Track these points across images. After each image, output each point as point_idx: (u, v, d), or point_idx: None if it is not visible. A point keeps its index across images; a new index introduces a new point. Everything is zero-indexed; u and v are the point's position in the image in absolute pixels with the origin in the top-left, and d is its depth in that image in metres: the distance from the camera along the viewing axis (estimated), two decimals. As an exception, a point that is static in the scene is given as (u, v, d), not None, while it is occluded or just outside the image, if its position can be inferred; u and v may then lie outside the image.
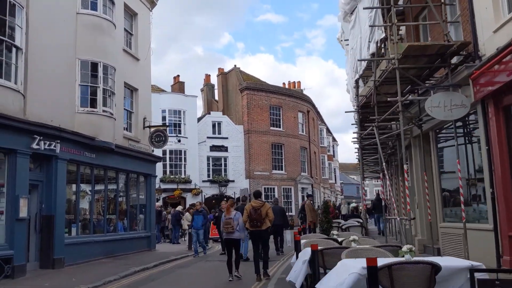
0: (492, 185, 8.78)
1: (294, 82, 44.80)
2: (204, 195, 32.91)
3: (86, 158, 13.90)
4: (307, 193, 35.03)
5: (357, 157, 19.04)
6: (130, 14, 18.19)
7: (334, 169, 54.60)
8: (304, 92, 43.11)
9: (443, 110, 9.48)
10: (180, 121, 32.76)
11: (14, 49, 11.16)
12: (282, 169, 36.98)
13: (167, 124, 29.20)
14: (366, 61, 12.87)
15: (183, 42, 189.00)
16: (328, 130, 52.33)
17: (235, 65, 39.62)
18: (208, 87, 42.06)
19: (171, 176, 31.83)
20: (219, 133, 35.26)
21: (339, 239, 8.05)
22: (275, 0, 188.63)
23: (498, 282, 4.09)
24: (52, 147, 12.16)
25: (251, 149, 35.37)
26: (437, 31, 11.47)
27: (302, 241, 8.11)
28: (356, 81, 15.11)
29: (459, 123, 10.40)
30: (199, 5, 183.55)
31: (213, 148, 34.77)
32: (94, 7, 14.48)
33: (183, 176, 32.35)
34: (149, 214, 18.19)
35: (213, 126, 35.29)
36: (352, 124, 17.59)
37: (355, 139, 16.39)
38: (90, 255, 13.78)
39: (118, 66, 15.40)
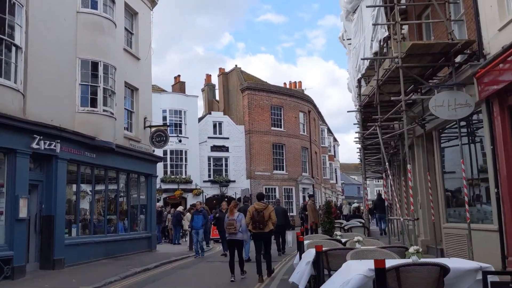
0: (497, 185, 8.67)
1: (295, 82, 44.76)
2: (205, 196, 32.81)
3: (87, 158, 13.81)
4: (308, 193, 34.94)
5: (359, 157, 18.95)
6: (131, 13, 18.11)
7: (335, 169, 54.50)
8: (305, 92, 43.02)
9: (447, 109, 9.36)
10: (181, 121, 32.68)
11: (13, 48, 11.07)
12: (283, 169, 36.88)
13: (168, 124, 29.10)
14: (368, 60, 12.76)
15: (184, 42, 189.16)
16: (329, 130, 52.23)
17: (236, 65, 39.55)
18: (209, 87, 41.98)
19: (172, 176, 31.75)
20: (220, 133, 35.16)
21: (343, 240, 7.95)
22: (276, 0, 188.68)
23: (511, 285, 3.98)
24: (52, 147, 12.08)
25: (252, 149, 35.27)
26: (440, 30, 11.37)
27: (305, 242, 8.00)
28: (359, 81, 15.02)
29: (462, 123, 10.30)
30: (200, 5, 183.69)
31: (214, 148, 34.68)
32: (94, 6, 14.40)
33: (184, 176, 32.26)
34: (150, 215, 18.11)
35: (214, 126, 35.19)
36: (354, 124, 17.50)
37: (357, 139, 16.28)
38: (91, 256, 13.70)
39: (118, 65, 15.32)
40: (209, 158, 34.54)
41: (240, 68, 39.46)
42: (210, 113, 37.11)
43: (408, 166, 10.72)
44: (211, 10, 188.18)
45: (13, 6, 11.00)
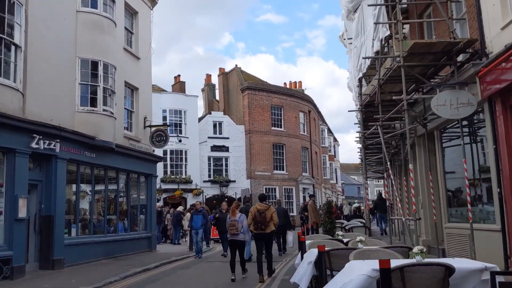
0: (499, 185, 8.62)
1: (295, 82, 44.68)
2: (205, 196, 32.75)
3: (86, 158, 13.75)
4: (308, 193, 34.88)
5: (360, 156, 18.89)
6: (131, 12, 18.06)
7: (335, 169, 54.43)
8: (305, 92, 42.96)
9: (449, 109, 9.32)
10: (181, 121, 32.62)
11: (13, 47, 11.01)
12: (283, 169, 36.81)
13: (168, 124, 29.03)
14: (370, 60, 12.71)
15: (184, 42, 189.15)
16: (329, 130, 52.17)
17: (236, 65, 39.49)
18: (209, 87, 41.92)
19: (172, 176, 31.68)
20: (220, 133, 35.10)
21: (345, 240, 7.89)
22: (276, 0, 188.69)
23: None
24: (51, 146, 12.02)
25: (252, 149, 35.21)
26: (442, 29, 11.31)
27: (307, 242, 7.94)
28: (360, 80, 14.96)
29: (464, 122, 10.24)
30: (200, 5, 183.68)
31: (214, 148, 34.61)
32: (94, 5, 14.34)
33: (184, 176, 32.20)
34: (150, 215, 18.05)
35: (214, 126, 35.12)
36: (355, 124, 17.45)
37: (358, 139, 16.24)
38: (90, 256, 13.64)
39: (118, 65, 15.26)
40: (209, 158, 34.48)
41: (240, 68, 39.40)
42: (210, 113, 37.04)
43: (410, 166, 10.66)
44: (211, 10, 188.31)
45: (12, 5, 10.94)
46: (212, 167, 34.52)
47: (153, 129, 18.46)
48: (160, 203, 26.58)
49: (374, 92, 12.62)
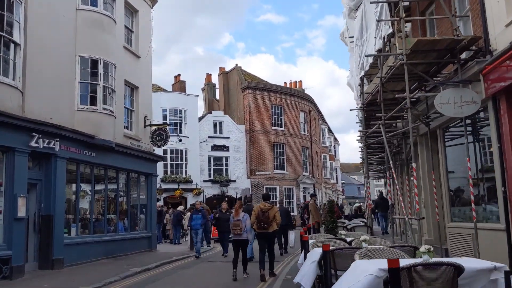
0: (504, 184, 8.51)
1: (295, 81, 44.64)
2: (205, 195, 32.66)
3: (86, 157, 13.65)
4: (309, 192, 34.80)
5: (361, 156, 18.80)
6: (131, 11, 17.96)
7: (336, 169, 54.36)
8: (306, 92, 42.88)
9: (453, 107, 9.21)
10: (181, 120, 32.53)
11: (12, 45, 10.93)
12: (283, 169, 36.73)
13: (168, 123, 28.93)
14: (372, 58, 12.61)
15: (184, 43, 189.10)
16: (329, 130, 52.10)
17: (236, 64, 39.42)
18: (209, 86, 41.84)
19: (172, 176, 31.59)
20: (221, 133, 35.00)
21: (348, 239, 7.79)
22: (276, 0, 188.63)
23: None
24: (51, 145, 11.93)
25: (253, 149, 35.12)
26: (445, 27, 11.22)
27: (310, 241, 7.84)
28: (362, 78, 14.86)
29: (468, 121, 10.15)
30: (200, 5, 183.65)
31: (214, 147, 34.52)
32: (94, 3, 14.26)
33: (184, 176, 32.10)
34: (150, 214, 17.97)
35: (214, 125, 35.03)
36: (356, 123, 17.37)
37: (360, 137, 16.14)
38: (90, 256, 13.54)
39: (118, 63, 15.16)
40: (209, 158, 34.39)
41: (240, 67, 39.32)
42: (210, 113, 36.95)
43: (413, 165, 10.57)
44: (211, 10, 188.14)
45: (12, 3, 10.85)
46: (212, 166, 34.43)
47: (153, 128, 18.37)
48: (160, 203, 26.49)
49: (376, 91, 12.52)
